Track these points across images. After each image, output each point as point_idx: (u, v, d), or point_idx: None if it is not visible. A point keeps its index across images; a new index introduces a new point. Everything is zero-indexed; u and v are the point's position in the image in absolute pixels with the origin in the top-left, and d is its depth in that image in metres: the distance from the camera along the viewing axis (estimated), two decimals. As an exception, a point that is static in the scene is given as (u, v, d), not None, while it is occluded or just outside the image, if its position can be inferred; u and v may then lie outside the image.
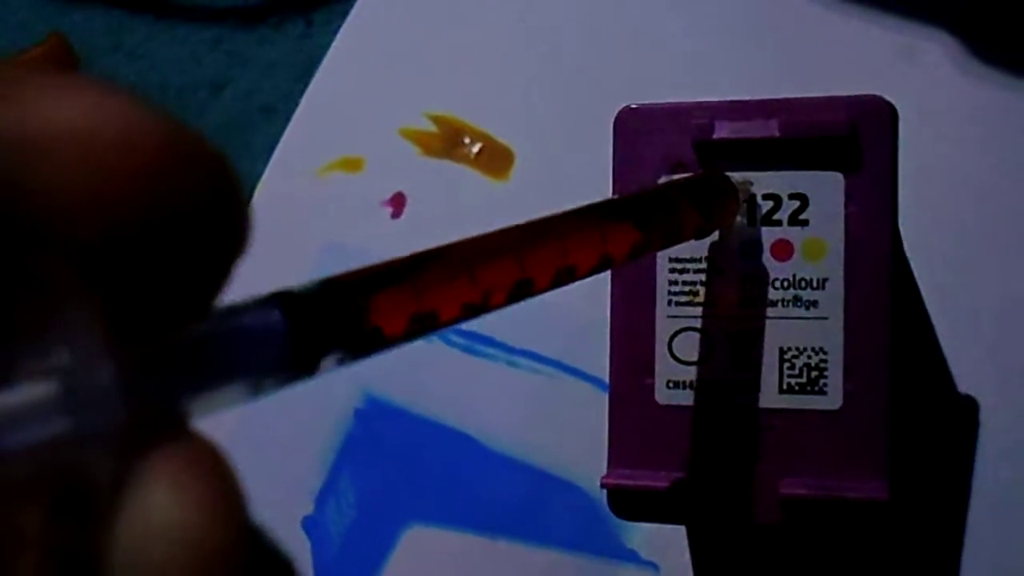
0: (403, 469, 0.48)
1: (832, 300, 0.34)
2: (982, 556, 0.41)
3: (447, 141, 0.50)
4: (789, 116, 0.34)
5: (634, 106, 0.36)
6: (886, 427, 0.33)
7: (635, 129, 0.36)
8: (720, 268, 0.35)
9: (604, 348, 0.36)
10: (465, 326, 0.46)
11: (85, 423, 0.14)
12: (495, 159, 0.50)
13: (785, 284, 0.34)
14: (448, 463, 0.48)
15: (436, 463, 0.48)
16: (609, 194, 0.36)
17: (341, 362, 0.19)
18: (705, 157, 0.35)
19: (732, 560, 0.43)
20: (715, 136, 0.35)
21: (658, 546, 0.44)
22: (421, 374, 0.48)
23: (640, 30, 0.49)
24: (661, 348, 0.35)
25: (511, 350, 0.48)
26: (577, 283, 0.27)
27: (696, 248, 0.35)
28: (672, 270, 0.35)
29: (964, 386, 0.42)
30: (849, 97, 0.34)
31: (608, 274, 0.35)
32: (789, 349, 0.34)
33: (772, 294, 0.34)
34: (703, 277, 0.35)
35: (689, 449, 0.35)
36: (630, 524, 0.43)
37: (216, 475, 0.15)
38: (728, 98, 0.35)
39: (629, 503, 0.35)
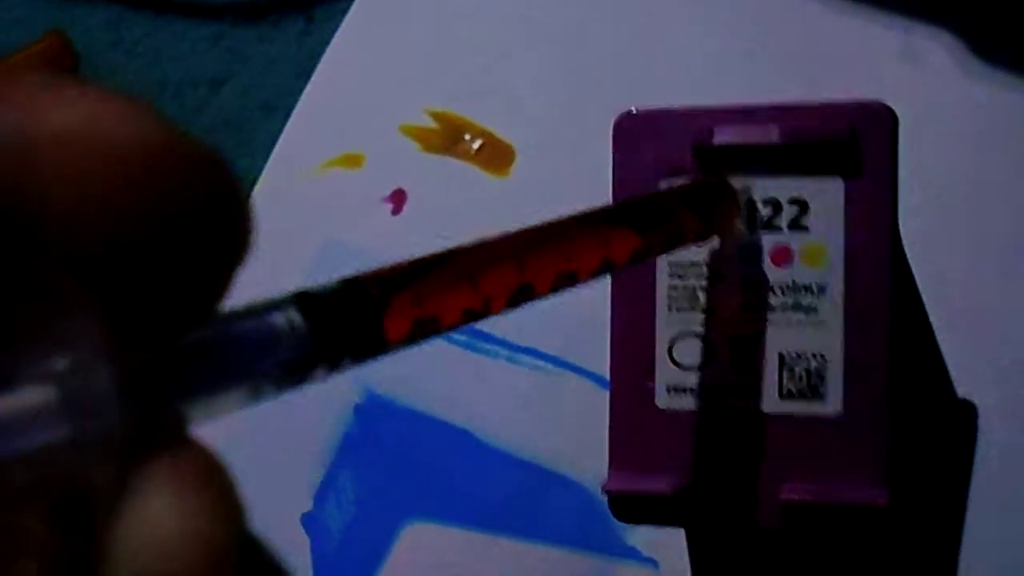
0: (403, 466, 0.48)
1: (832, 306, 0.34)
2: (981, 560, 0.41)
3: (447, 138, 0.50)
4: (789, 121, 0.34)
5: (634, 111, 0.36)
6: (885, 433, 0.34)
7: (634, 134, 0.36)
8: (720, 273, 0.35)
9: (604, 345, 0.36)
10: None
11: (85, 429, 0.14)
12: (496, 156, 0.50)
13: (785, 289, 0.34)
14: (448, 459, 0.48)
15: (436, 460, 0.48)
16: (609, 191, 0.36)
17: (340, 368, 0.19)
18: (705, 162, 0.35)
19: (731, 564, 0.43)
20: (715, 142, 0.35)
21: (658, 543, 0.44)
22: (421, 371, 0.48)
23: (641, 26, 0.49)
24: (661, 353, 0.35)
25: (512, 347, 0.48)
26: (577, 283, 0.27)
27: (696, 253, 0.35)
28: (672, 275, 0.35)
29: (963, 391, 0.42)
30: (849, 102, 0.34)
31: (608, 276, 0.35)
32: (789, 354, 0.34)
33: (772, 299, 0.34)
34: (703, 282, 0.35)
35: (689, 453, 0.35)
36: (630, 523, 0.44)
37: (215, 483, 0.15)
38: (730, 96, 0.35)
39: (630, 507, 0.35)
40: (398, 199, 0.50)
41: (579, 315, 0.46)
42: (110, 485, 0.14)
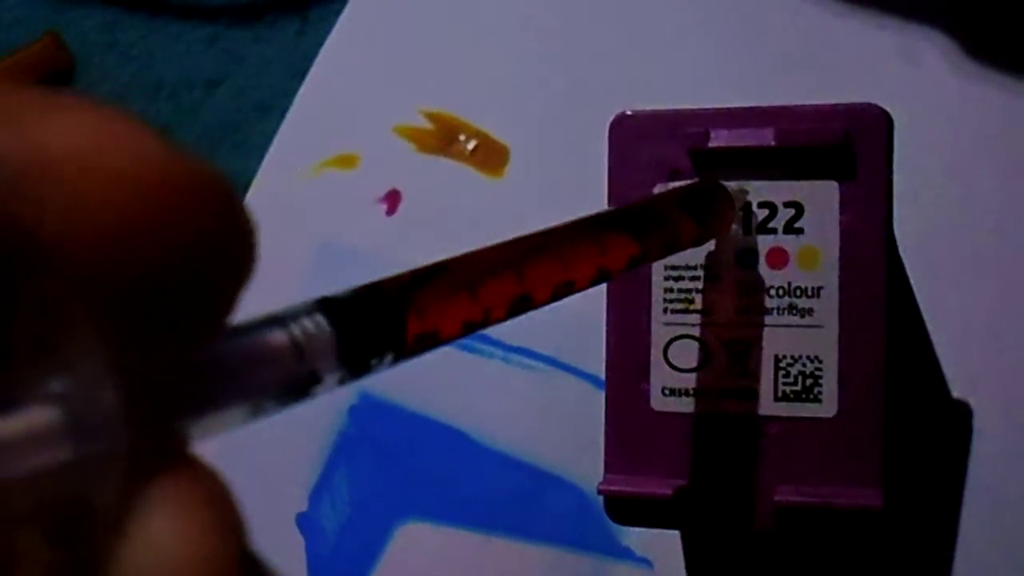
0: (397, 466, 0.48)
1: (827, 308, 0.34)
2: (976, 562, 0.41)
3: (442, 138, 0.50)
4: (784, 125, 0.34)
5: (629, 113, 0.36)
6: (881, 435, 0.34)
7: (630, 136, 0.36)
8: (716, 276, 0.35)
9: (599, 346, 0.36)
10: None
11: (87, 449, 0.14)
12: (491, 156, 0.50)
13: (780, 292, 0.34)
14: (442, 460, 0.48)
15: (430, 460, 0.48)
16: (604, 191, 0.36)
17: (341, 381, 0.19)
18: (701, 165, 0.35)
19: (726, 566, 0.43)
20: (710, 145, 0.35)
21: (652, 544, 0.44)
22: (415, 371, 0.48)
23: (637, 27, 0.49)
24: (657, 355, 0.35)
25: (506, 347, 0.48)
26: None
27: (692, 256, 0.35)
28: (668, 277, 0.35)
29: (959, 392, 0.42)
30: (844, 105, 0.34)
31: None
32: (784, 357, 0.34)
33: (768, 302, 0.34)
34: (699, 285, 0.35)
35: (685, 456, 0.35)
36: (625, 523, 0.44)
37: (217, 503, 0.15)
38: (726, 96, 0.35)
39: (625, 509, 0.35)
40: (393, 199, 0.50)
41: (574, 316, 0.46)
42: (112, 505, 0.14)
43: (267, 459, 0.49)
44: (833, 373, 0.34)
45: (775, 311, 0.34)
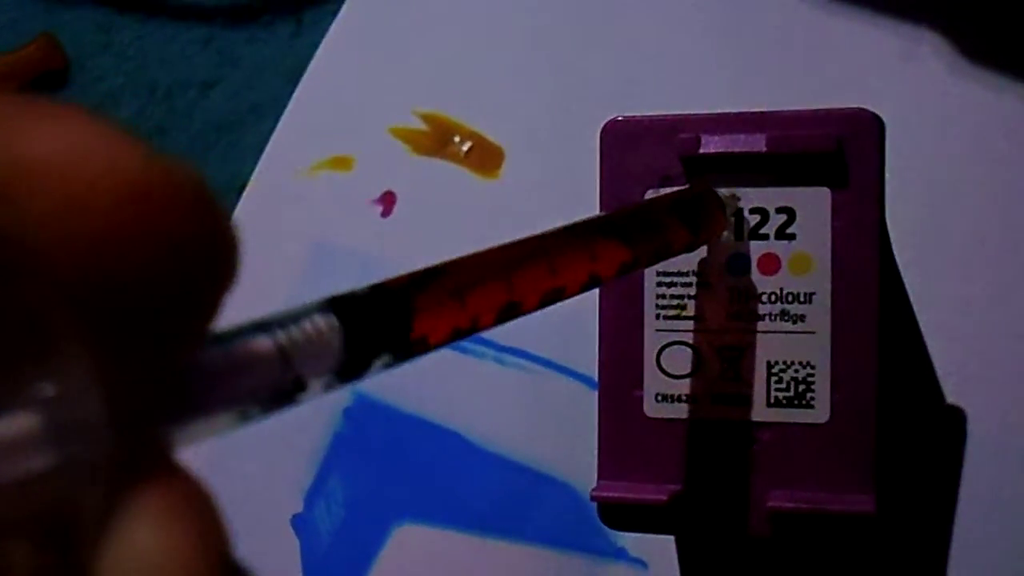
0: (392, 467, 0.48)
1: (819, 314, 0.34)
2: (969, 567, 0.41)
3: (437, 140, 0.50)
4: (776, 130, 0.34)
5: (620, 118, 0.36)
6: (873, 441, 0.34)
7: (622, 142, 0.36)
8: (708, 282, 0.35)
9: (593, 347, 0.36)
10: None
11: (71, 456, 0.14)
12: (485, 157, 0.50)
13: (773, 298, 0.34)
14: (437, 461, 0.48)
15: (425, 461, 0.48)
16: (597, 194, 0.36)
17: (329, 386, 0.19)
18: (692, 171, 0.35)
19: (720, 571, 0.43)
20: (702, 151, 0.35)
21: (647, 544, 0.44)
22: (409, 372, 0.48)
23: (630, 31, 0.49)
24: (650, 361, 0.35)
25: (500, 348, 0.48)
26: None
27: (684, 262, 0.35)
28: (660, 284, 0.35)
29: (952, 397, 0.42)
30: (836, 111, 0.34)
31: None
32: (777, 363, 0.34)
33: (760, 308, 0.34)
34: (691, 291, 0.35)
35: (678, 462, 0.35)
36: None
37: (200, 512, 0.15)
38: (720, 100, 0.35)
39: (619, 514, 0.35)
40: (388, 201, 0.50)
41: (568, 316, 0.46)
42: (96, 511, 0.14)
43: (262, 461, 0.49)
44: (826, 379, 0.34)
45: (767, 317, 0.34)
